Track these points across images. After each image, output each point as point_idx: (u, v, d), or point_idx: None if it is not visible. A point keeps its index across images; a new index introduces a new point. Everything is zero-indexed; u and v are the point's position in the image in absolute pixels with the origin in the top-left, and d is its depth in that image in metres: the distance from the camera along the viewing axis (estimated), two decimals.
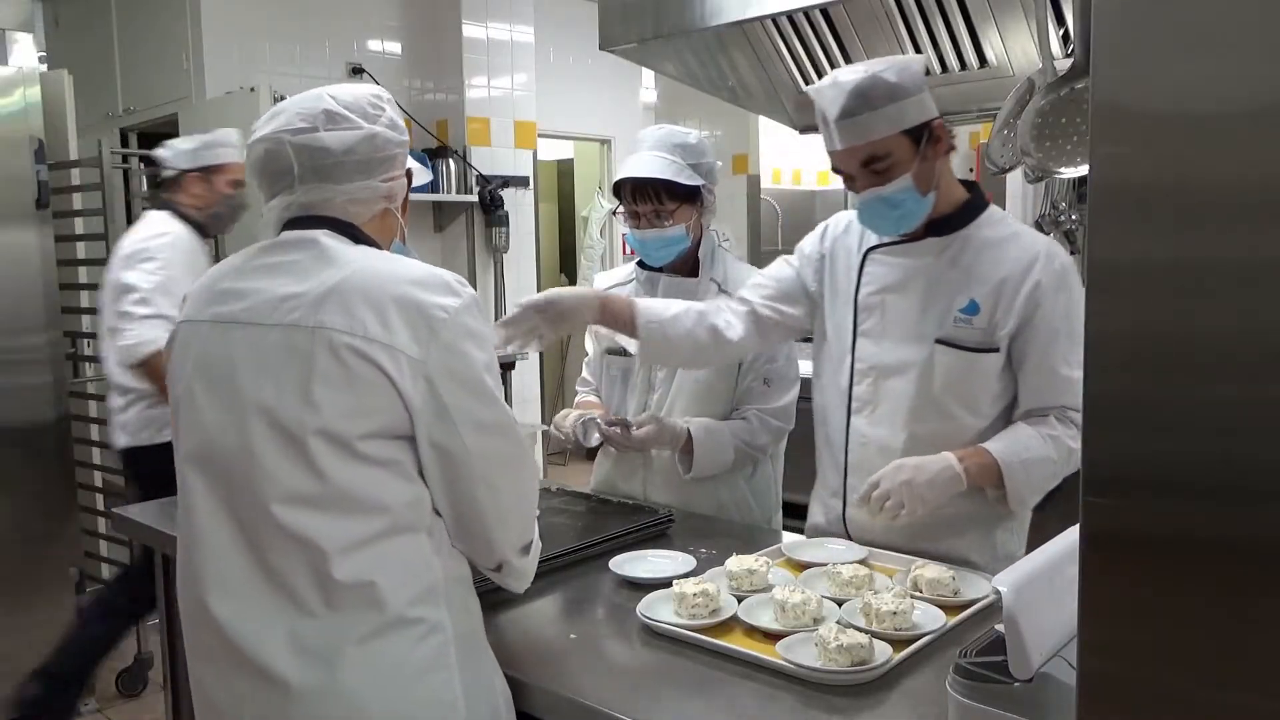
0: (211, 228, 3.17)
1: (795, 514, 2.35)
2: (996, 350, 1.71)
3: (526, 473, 1.35)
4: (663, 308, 1.93)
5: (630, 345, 1.95)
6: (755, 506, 2.21)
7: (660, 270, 2.18)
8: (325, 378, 1.17)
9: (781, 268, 1.99)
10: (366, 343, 1.17)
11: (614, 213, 2.14)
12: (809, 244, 1.98)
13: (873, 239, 1.84)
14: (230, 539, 1.23)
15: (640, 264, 2.23)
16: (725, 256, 2.21)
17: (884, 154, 1.66)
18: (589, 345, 2.30)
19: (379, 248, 1.33)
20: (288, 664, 1.17)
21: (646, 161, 2.01)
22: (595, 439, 2.10)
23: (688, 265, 2.15)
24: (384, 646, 1.19)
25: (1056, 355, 1.68)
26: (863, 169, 1.69)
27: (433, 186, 4.91)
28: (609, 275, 2.37)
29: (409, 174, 1.44)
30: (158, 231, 2.97)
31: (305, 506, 1.18)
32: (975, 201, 1.78)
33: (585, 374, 2.37)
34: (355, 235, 1.31)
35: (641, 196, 2.03)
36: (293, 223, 1.31)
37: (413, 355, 1.18)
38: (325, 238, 1.28)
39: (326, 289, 1.21)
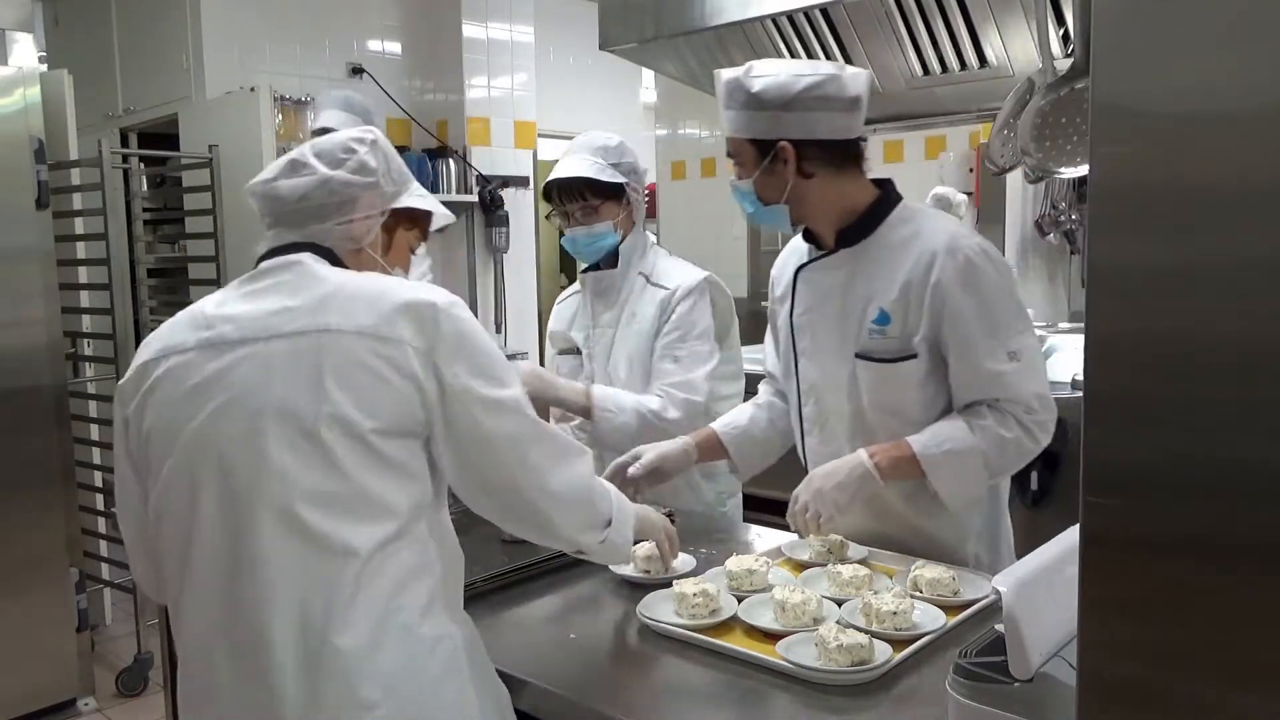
0: None
1: (755, 506, 2.43)
2: (915, 357, 1.67)
3: (559, 449, 1.32)
4: (735, 416, 2.01)
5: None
6: (706, 489, 2.24)
7: (597, 269, 2.27)
8: (337, 374, 1.18)
9: (769, 342, 2.02)
10: (376, 340, 1.19)
11: (547, 217, 2.29)
12: (772, 286, 1.98)
13: (805, 258, 1.83)
14: (230, 548, 1.20)
15: (583, 271, 2.33)
16: (658, 252, 2.29)
17: (734, 152, 1.73)
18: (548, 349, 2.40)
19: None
20: (295, 680, 1.16)
21: (570, 164, 2.14)
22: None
23: (613, 262, 2.24)
24: (398, 656, 1.18)
25: (977, 351, 1.64)
26: (729, 156, 1.75)
27: (433, 186, 4.90)
28: (567, 290, 2.47)
29: (417, 215, 1.44)
30: None
31: (323, 506, 1.17)
32: (882, 203, 1.73)
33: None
34: (334, 260, 1.32)
35: (568, 196, 2.16)
36: (271, 253, 1.32)
37: (417, 346, 1.20)
38: (309, 259, 1.29)
39: (322, 297, 1.23)
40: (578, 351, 2.26)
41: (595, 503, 1.36)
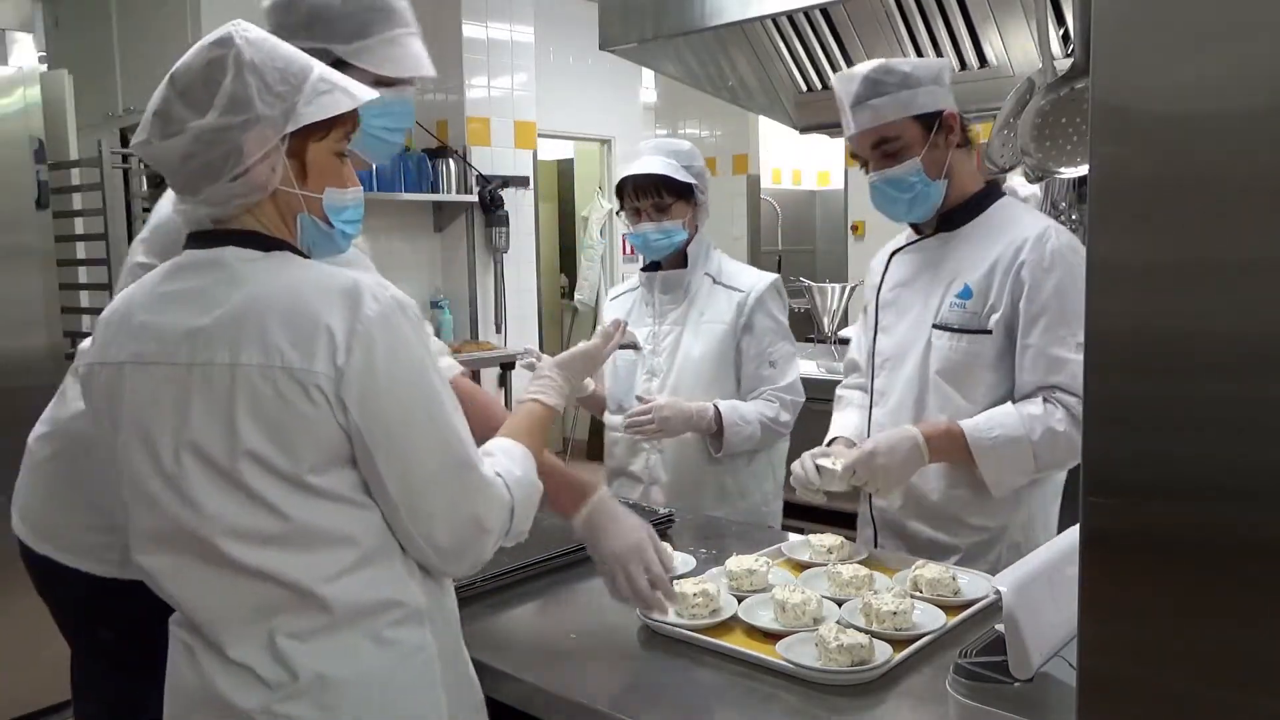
0: None
1: (794, 514, 2.39)
2: (988, 332, 1.75)
3: (466, 498, 1.20)
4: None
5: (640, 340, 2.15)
6: (755, 491, 2.29)
7: (657, 268, 2.34)
8: (253, 411, 1.10)
9: (853, 348, 2.09)
10: (287, 373, 1.10)
11: (616, 213, 2.34)
12: (869, 275, 2.07)
13: (900, 245, 1.95)
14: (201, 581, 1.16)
15: (643, 269, 2.39)
16: (721, 255, 2.38)
17: (893, 137, 1.77)
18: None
19: (294, 247, 1.21)
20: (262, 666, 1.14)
21: (646, 162, 2.23)
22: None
23: (680, 261, 2.31)
24: (366, 664, 1.15)
25: (1047, 334, 1.70)
26: (874, 151, 1.81)
27: (433, 186, 4.90)
28: (620, 286, 2.54)
29: (343, 120, 1.21)
30: None
31: (258, 543, 1.12)
32: (987, 195, 1.84)
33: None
34: (265, 242, 1.18)
35: (643, 192, 2.23)
36: (197, 236, 1.21)
37: (330, 375, 1.10)
38: (231, 257, 1.17)
39: (233, 318, 1.12)
40: (635, 347, 2.26)
41: (484, 540, 1.24)
